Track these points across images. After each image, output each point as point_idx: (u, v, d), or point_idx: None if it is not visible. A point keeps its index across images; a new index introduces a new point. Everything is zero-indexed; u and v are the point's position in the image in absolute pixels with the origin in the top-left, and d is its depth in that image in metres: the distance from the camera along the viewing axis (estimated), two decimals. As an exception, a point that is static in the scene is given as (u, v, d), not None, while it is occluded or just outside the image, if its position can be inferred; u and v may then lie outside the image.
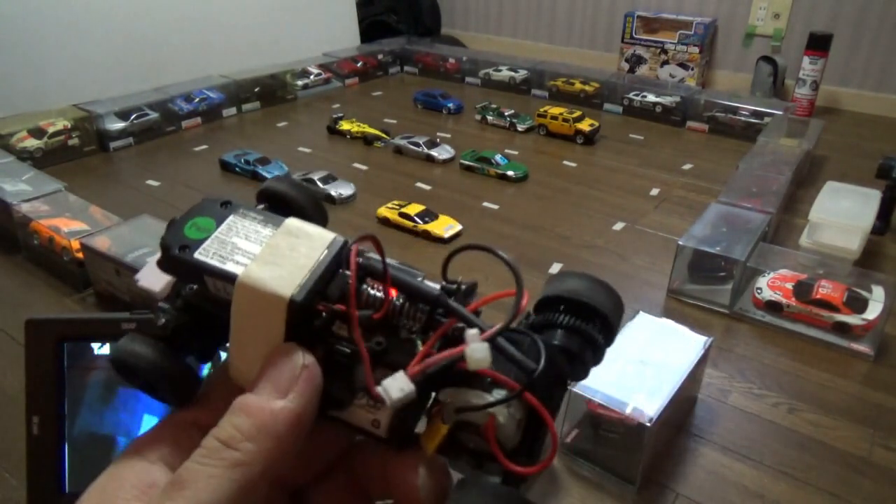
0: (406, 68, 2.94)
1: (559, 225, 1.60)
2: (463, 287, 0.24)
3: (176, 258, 0.22)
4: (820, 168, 1.98)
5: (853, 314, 1.17)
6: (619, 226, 1.61)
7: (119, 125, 2.00)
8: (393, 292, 0.23)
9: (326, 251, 0.23)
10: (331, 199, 1.69)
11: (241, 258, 0.22)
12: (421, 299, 0.23)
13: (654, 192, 1.79)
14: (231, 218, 0.23)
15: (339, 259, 0.23)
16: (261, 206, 0.25)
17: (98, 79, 2.12)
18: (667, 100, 2.30)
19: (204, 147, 2.04)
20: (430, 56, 2.86)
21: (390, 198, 1.65)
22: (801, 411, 1.04)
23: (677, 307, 1.29)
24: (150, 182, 1.80)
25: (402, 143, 2.00)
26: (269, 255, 0.22)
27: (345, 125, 2.14)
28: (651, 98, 2.33)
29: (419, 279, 0.24)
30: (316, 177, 1.73)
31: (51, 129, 1.87)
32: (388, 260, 0.23)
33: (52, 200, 1.42)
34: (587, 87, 2.47)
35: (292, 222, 0.24)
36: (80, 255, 1.25)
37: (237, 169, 1.84)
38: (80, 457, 0.27)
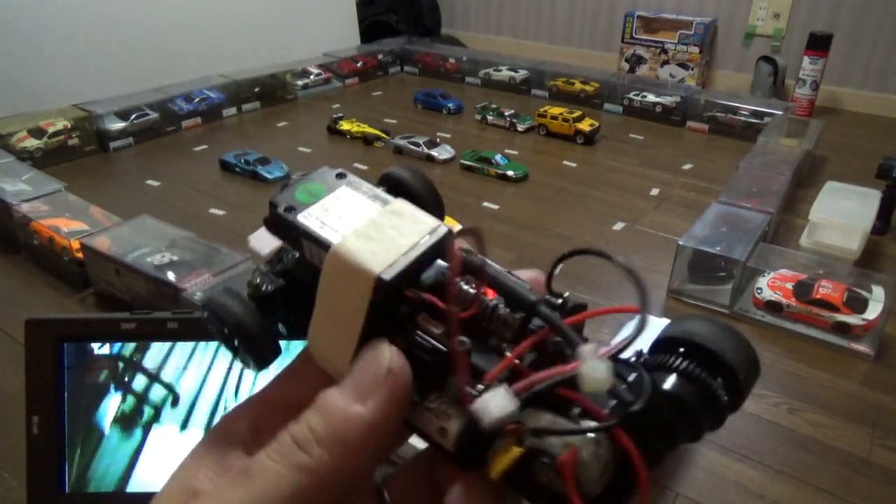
0: (406, 68, 2.94)
1: (559, 225, 1.60)
2: (570, 304, 0.22)
3: (279, 216, 0.22)
4: (820, 168, 1.98)
5: (853, 314, 1.17)
6: (619, 226, 1.61)
7: (119, 125, 2.00)
8: (490, 293, 0.22)
9: (428, 236, 0.21)
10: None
11: (342, 227, 0.22)
12: (517, 305, 0.21)
13: (654, 192, 1.79)
14: (341, 188, 0.23)
15: (439, 247, 0.21)
16: (381, 188, 0.24)
17: (98, 79, 2.12)
18: (667, 100, 2.30)
19: (204, 147, 2.05)
20: (430, 56, 2.86)
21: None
22: (801, 411, 1.04)
23: (677, 307, 1.29)
24: (150, 182, 1.80)
25: (402, 143, 2.00)
26: (368, 230, 0.21)
27: (345, 125, 2.14)
28: (651, 98, 2.33)
29: (521, 286, 0.22)
30: (316, 177, 1.73)
31: (51, 129, 1.87)
32: (490, 260, 0.22)
33: (52, 200, 1.42)
34: (587, 87, 2.47)
35: (400, 203, 0.23)
36: (80, 255, 1.25)
37: (237, 169, 1.84)
38: (80, 457, 0.28)
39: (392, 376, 0.20)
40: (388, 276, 0.20)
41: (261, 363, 0.23)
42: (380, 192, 0.23)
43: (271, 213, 0.23)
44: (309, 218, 0.22)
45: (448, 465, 0.21)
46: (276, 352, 0.23)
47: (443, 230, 0.22)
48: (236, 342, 0.23)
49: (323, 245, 0.21)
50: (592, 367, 0.18)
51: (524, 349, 0.20)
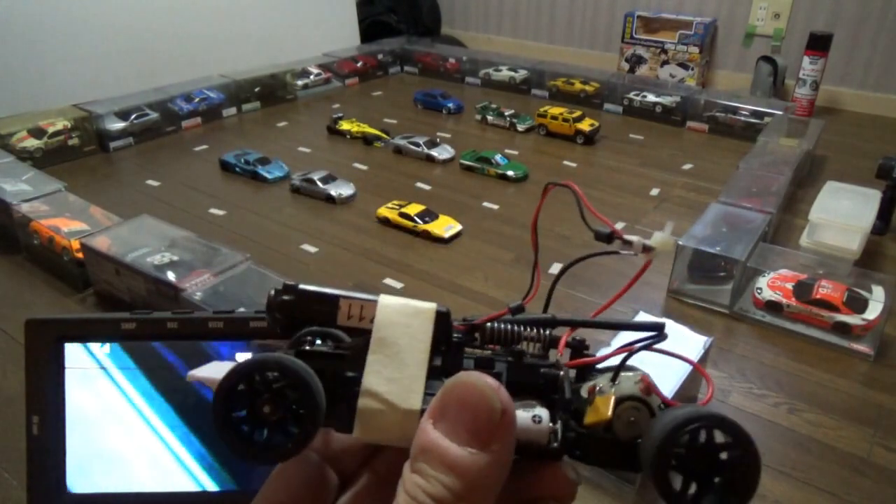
0: (406, 68, 2.94)
1: (559, 225, 1.60)
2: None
3: (307, 290, 0.23)
4: (820, 168, 1.98)
5: (853, 314, 1.17)
6: (619, 226, 1.59)
7: (119, 125, 2.00)
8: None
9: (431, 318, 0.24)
10: (331, 199, 1.69)
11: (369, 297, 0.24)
12: (537, 323, 0.25)
13: (654, 192, 1.79)
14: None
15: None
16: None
17: (98, 79, 2.12)
18: (667, 100, 2.30)
19: (204, 147, 2.04)
20: (430, 56, 2.86)
21: (390, 198, 1.65)
22: (801, 411, 1.04)
23: (677, 307, 1.29)
24: (150, 182, 1.80)
25: (402, 143, 2.00)
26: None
27: (345, 125, 2.14)
28: (651, 98, 2.33)
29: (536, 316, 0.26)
30: (316, 177, 1.73)
31: (51, 129, 1.87)
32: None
33: (52, 200, 1.42)
34: (587, 87, 2.47)
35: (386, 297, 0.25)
36: (80, 255, 1.25)
37: (237, 169, 1.84)
38: (80, 457, 0.28)
39: (507, 415, 0.20)
40: (442, 308, 0.23)
41: (314, 421, 0.21)
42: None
43: (290, 291, 0.23)
44: (324, 287, 0.24)
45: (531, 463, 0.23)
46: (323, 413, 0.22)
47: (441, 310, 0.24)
48: (293, 396, 0.21)
49: (369, 299, 0.23)
50: (657, 235, 0.24)
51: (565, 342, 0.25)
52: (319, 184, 1.71)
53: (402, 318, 0.22)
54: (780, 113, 2.12)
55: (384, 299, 0.23)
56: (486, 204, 1.70)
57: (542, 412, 0.22)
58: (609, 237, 0.26)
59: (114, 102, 2.04)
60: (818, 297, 1.19)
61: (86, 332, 0.27)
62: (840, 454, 0.96)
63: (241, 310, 0.27)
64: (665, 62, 2.81)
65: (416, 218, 1.54)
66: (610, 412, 0.22)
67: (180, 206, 1.66)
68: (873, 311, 1.16)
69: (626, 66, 2.90)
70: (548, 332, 0.25)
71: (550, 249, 1.49)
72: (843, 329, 1.18)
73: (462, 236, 1.53)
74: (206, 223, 1.57)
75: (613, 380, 0.23)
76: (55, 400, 0.27)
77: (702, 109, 2.24)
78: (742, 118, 2.18)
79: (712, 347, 0.98)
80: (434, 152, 1.95)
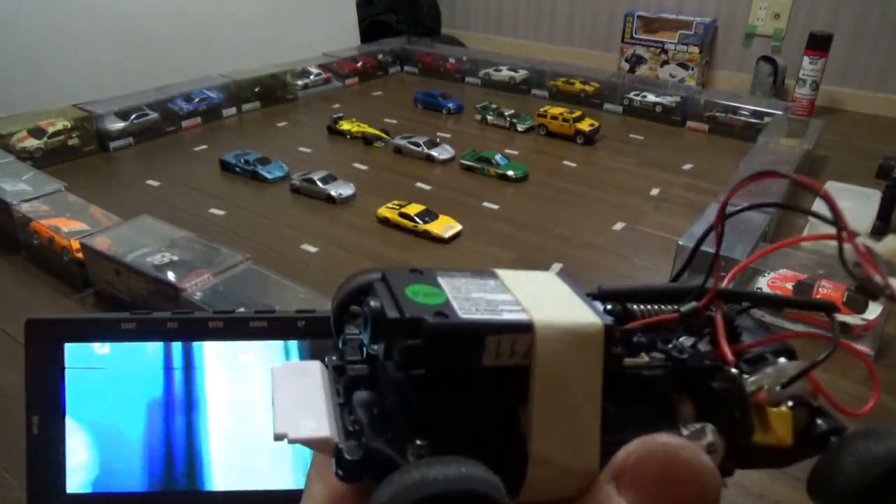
0: (406, 68, 2.94)
1: (559, 225, 1.60)
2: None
3: (445, 325, 0.16)
4: (820, 168, 1.98)
5: (853, 314, 1.17)
6: (619, 226, 1.61)
7: (119, 125, 2.00)
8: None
9: (565, 283, 0.19)
10: (331, 199, 1.69)
11: (509, 307, 0.17)
12: (683, 296, 0.20)
13: (654, 192, 1.79)
14: (442, 279, 0.18)
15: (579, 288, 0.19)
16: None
17: (98, 79, 2.12)
18: (667, 100, 2.30)
19: (204, 147, 2.04)
20: (430, 56, 2.86)
21: (390, 198, 1.65)
22: (801, 411, 1.04)
23: (677, 307, 1.29)
24: (150, 182, 1.80)
25: (402, 143, 2.00)
26: (529, 298, 0.18)
27: (345, 125, 2.14)
28: (651, 98, 2.33)
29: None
30: (316, 177, 1.73)
31: (51, 129, 1.87)
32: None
33: (52, 200, 1.42)
34: (587, 87, 2.47)
35: (504, 270, 0.20)
36: (80, 255, 1.26)
37: (237, 169, 1.84)
38: (80, 457, 0.28)
39: (714, 486, 0.16)
40: (608, 320, 0.17)
41: None
42: (473, 270, 0.20)
43: (416, 330, 0.16)
44: (472, 313, 0.17)
45: None
46: None
47: (560, 273, 0.20)
48: None
49: (522, 327, 0.17)
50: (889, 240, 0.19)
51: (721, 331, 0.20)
52: (319, 184, 1.71)
53: (568, 353, 0.17)
54: (780, 113, 2.12)
55: (543, 325, 0.17)
56: (486, 204, 1.70)
57: (715, 437, 0.18)
58: (872, 292, 0.19)
59: (114, 102, 2.04)
60: (818, 297, 1.19)
61: (86, 332, 0.27)
62: (840, 454, 0.96)
63: (241, 310, 0.27)
64: (665, 62, 2.81)
65: (416, 218, 1.54)
66: (791, 438, 0.18)
67: (180, 206, 1.66)
68: (873, 312, 1.16)
69: (626, 66, 2.90)
70: (689, 308, 0.20)
71: (550, 249, 1.49)
72: (842, 329, 1.18)
73: (462, 236, 1.53)
74: (206, 223, 1.57)
75: (786, 384, 0.19)
76: (55, 400, 0.27)
77: (702, 109, 2.24)
78: (742, 118, 2.18)
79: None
80: (434, 152, 1.95)
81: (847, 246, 0.19)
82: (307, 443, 0.17)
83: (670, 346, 0.19)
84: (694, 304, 0.20)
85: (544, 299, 0.18)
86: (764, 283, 1.25)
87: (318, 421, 0.18)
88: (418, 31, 3.25)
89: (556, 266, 1.42)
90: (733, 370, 0.19)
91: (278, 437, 0.17)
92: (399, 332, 0.16)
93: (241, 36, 2.52)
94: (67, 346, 0.27)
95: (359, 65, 2.76)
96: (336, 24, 2.92)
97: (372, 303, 0.17)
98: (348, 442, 0.17)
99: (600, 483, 0.17)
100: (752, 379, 0.19)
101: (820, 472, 0.18)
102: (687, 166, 1.97)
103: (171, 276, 1.12)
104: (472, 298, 0.17)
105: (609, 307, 0.20)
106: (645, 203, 1.73)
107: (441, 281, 0.18)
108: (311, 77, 2.56)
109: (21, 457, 0.25)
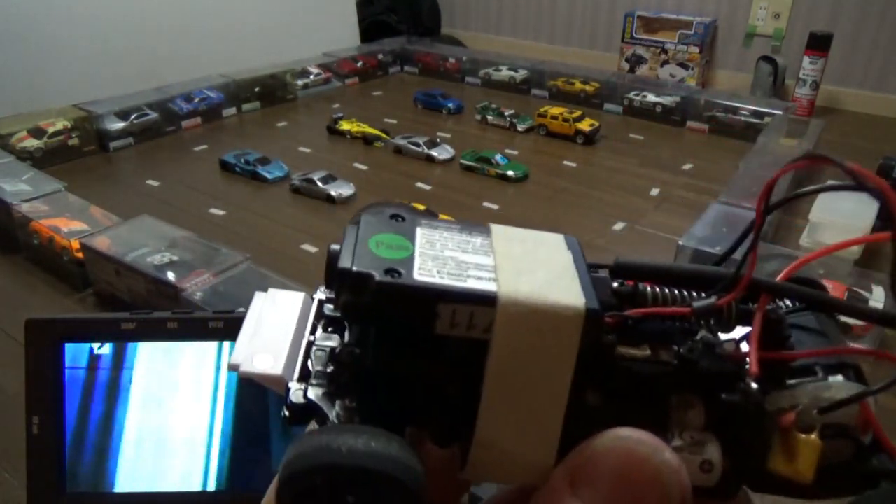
0: (406, 68, 2.94)
1: (559, 225, 1.60)
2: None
3: (392, 286, 0.15)
4: (820, 168, 1.98)
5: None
6: (619, 226, 1.61)
7: (119, 125, 2.00)
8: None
9: (569, 251, 0.18)
10: (331, 199, 1.69)
11: (479, 273, 0.16)
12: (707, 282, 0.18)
13: (654, 192, 1.79)
14: (421, 230, 0.17)
15: (584, 260, 0.17)
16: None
17: (98, 79, 2.12)
18: (667, 100, 2.30)
19: (204, 147, 2.04)
20: (430, 56, 2.86)
21: (390, 198, 1.65)
22: (801, 411, 1.03)
23: (677, 307, 1.29)
24: (150, 182, 1.80)
25: (402, 143, 2.00)
26: (511, 265, 0.16)
27: (345, 125, 2.14)
28: (651, 98, 2.33)
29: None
30: (316, 177, 1.73)
31: (51, 129, 1.87)
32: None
33: (52, 200, 1.42)
34: (587, 87, 2.47)
35: (500, 227, 0.18)
36: (80, 255, 1.25)
37: (237, 169, 1.84)
38: (80, 457, 0.28)
39: (676, 488, 0.14)
40: (593, 303, 0.15)
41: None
42: (462, 221, 0.18)
43: (365, 287, 0.15)
44: (431, 275, 0.15)
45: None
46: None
47: (573, 240, 0.18)
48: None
49: (485, 299, 0.15)
50: None
51: (758, 330, 0.17)
52: (319, 184, 1.71)
53: (533, 335, 0.15)
54: (780, 113, 2.12)
55: (509, 300, 0.15)
56: (486, 204, 1.70)
57: (714, 453, 0.16)
58: None
59: (114, 102, 2.03)
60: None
61: (86, 332, 0.27)
62: (840, 454, 0.95)
63: (241, 310, 0.27)
64: (665, 62, 2.81)
65: (416, 218, 1.54)
66: (812, 474, 0.16)
67: (180, 206, 1.66)
68: (873, 311, 1.16)
69: (626, 66, 2.90)
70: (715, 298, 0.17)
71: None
72: (842, 329, 1.18)
73: (462, 236, 1.53)
74: (206, 223, 1.57)
75: (827, 409, 0.16)
76: (55, 400, 0.27)
77: (702, 109, 2.24)
78: (742, 118, 2.18)
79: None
80: (434, 152, 1.95)
81: None
82: (258, 378, 0.16)
83: (695, 339, 0.17)
84: (712, 299, 0.17)
85: (529, 269, 0.16)
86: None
87: (277, 358, 0.17)
88: (418, 31, 3.25)
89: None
90: (753, 383, 0.16)
91: (232, 368, 0.17)
92: (345, 283, 0.15)
93: (241, 36, 2.52)
94: (67, 346, 0.27)
95: (359, 65, 2.76)
96: (336, 24, 2.92)
97: (332, 245, 0.16)
98: (297, 384, 0.16)
99: (555, 479, 0.15)
100: (781, 395, 0.16)
101: None
102: (687, 166, 1.97)
103: (170, 276, 1.12)
104: (441, 258, 0.16)
105: (616, 285, 0.18)
106: (645, 203, 1.73)
107: (418, 232, 0.17)
108: (311, 77, 2.56)
109: (21, 457, 0.25)
